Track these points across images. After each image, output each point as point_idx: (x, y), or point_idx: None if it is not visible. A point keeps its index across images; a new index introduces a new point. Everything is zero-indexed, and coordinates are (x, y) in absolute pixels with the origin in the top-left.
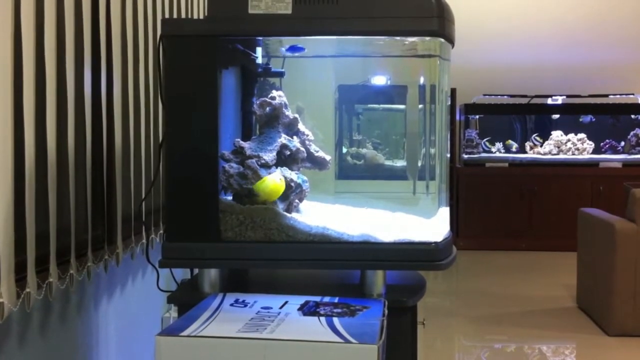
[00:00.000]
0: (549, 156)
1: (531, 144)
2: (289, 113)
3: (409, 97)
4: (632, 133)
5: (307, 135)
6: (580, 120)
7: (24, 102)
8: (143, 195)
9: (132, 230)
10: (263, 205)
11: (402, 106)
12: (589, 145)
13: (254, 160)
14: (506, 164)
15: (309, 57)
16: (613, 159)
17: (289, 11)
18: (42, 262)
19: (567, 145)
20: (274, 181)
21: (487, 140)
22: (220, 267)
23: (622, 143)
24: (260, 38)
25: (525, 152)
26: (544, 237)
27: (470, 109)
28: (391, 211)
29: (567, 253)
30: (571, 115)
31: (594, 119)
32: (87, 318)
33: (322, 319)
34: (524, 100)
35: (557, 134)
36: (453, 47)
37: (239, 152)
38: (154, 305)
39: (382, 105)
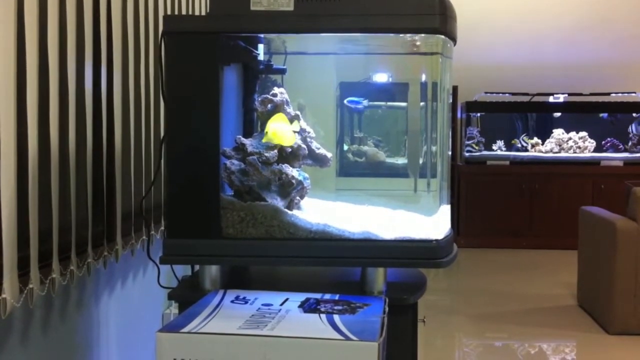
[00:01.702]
0: (550, 154)
1: (519, 145)
2: (291, 110)
3: (411, 94)
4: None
5: (309, 133)
6: (601, 116)
7: (27, 100)
8: (143, 192)
9: (133, 227)
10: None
11: (403, 104)
12: (590, 143)
13: (255, 157)
14: (507, 162)
15: (311, 54)
16: (614, 157)
17: (291, 8)
18: (44, 258)
19: (569, 144)
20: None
21: (473, 143)
22: (221, 264)
23: (630, 143)
24: (262, 35)
25: (527, 150)
26: (545, 236)
27: (471, 106)
28: (392, 209)
29: (568, 251)
30: (572, 113)
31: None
32: (88, 314)
33: (323, 316)
34: (526, 98)
35: (558, 132)
36: (455, 44)
37: (240, 148)
38: (154, 302)
39: (383, 103)
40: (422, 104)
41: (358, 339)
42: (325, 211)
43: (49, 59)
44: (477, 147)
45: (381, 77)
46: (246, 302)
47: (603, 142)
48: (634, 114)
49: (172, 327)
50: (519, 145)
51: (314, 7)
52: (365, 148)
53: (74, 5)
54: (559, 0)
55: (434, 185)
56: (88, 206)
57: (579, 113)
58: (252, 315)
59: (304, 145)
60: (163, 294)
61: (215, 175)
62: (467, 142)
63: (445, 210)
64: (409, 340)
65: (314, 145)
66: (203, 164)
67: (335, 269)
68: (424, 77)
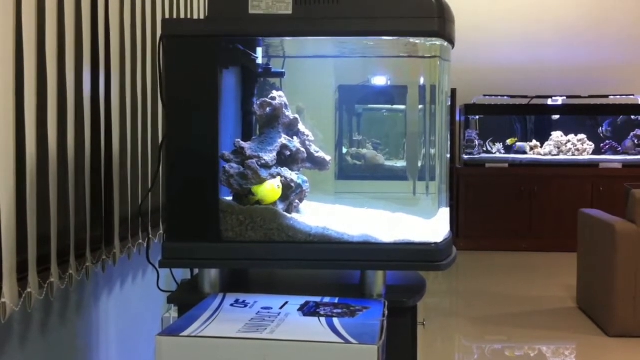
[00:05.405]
0: (549, 157)
1: (485, 148)
2: (289, 113)
3: (409, 97)
4: (632, 134)
5: (308, 136)
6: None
7: (25, 104)
8: (141, 196)
9: (129, 231)
10: (258, 204)
11: (402, 107)
12: (589, 146)
13: (254, 161)
14: (506, 165)
15: (309, 57)
16: (613, 159)
17: (290, 11)
18: (43, 262)
19: (567, 146)
20: (272, 185)
21: (490, 141)
22: (221, 268)
23: (628, 143)
24: (261, 38)
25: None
26: (544, 238)
27: (470, 109)
28: (391, 211)
29: (567, 254)
30: (571, 116)
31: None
32: (87, 318)
33: (322, 319)
34: (524, 101)
35: (557, 135)
36: (453, 47)
37: (239, 152)
38: (154, 306)
39: (382, 106)
40: (420, 106)
41: (358, 342)
42: (324, 214)
43: (47, 62)
44: (492, 145)
45: (380, 80)
46: (245, 306)
47: (602, 145)
48: (632, 117)
49: (171, 331)
50: (484, 150)
51: (313, 10)
52: (364, 151)
53: (72, 9)
54: (557, 3)
55: (433, 188)
56: (86, 210)
57: (578, 115)
58: (252, 318)
59: (302, 149)
60: (162, 297)
61: (214, 179)
62: (480, 141)
63: (445, 213)
64: (408, 343)
65: (313, 148)
66: (202, 167)
67: (334, 272)
68: (422, 80)
